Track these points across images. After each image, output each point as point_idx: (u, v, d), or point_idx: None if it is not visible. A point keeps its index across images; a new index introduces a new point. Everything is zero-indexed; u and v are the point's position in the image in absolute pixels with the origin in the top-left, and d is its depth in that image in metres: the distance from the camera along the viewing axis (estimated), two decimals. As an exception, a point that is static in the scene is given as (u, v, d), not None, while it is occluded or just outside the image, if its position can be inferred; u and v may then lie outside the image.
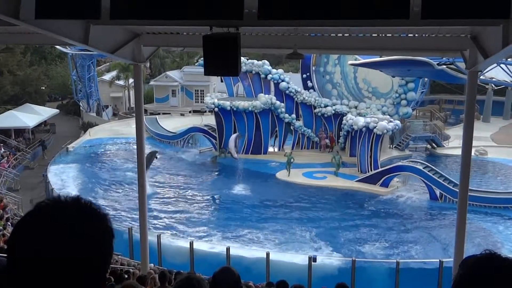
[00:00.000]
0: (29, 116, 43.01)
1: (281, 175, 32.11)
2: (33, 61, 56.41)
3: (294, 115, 36.82)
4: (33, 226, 1.26)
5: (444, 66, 32.70)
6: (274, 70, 38.45)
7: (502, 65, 35.89)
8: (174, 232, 23.60)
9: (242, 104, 35.84)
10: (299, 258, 19.23)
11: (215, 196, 29.02)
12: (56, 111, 50.15)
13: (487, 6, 5.71)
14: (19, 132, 42.94)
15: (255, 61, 38.61)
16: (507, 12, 5.62)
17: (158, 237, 19.45)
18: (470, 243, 19.46)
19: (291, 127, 36.95)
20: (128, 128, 41.98)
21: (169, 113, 51.68)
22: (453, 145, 36.52)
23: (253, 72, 38.45)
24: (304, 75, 38.73)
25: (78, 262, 1.23)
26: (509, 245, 22.22)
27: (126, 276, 10.84)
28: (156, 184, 30.82)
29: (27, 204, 26.54)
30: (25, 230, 1.26)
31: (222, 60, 7.47)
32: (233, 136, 34.62)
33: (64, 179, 31.64)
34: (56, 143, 43.20)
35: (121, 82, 54.00)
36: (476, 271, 1.38)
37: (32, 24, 7.12)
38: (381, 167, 30.65)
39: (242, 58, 33.55)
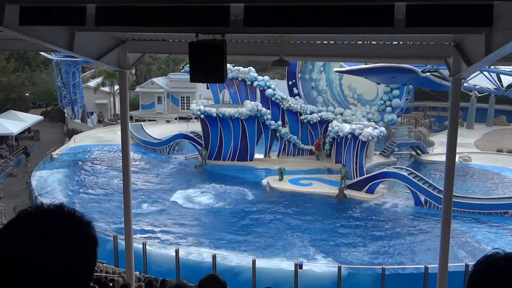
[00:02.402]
0: (12, 123, 42.54)
1: (267, 182, 32.09)
2: (17, 67, 55.89)
3: (280, 122, 36.91)
4: (16, 234, 1.24)
5: (428, 74, 33.03)
6: (260, 77, 38.54)
7: (485, 72, 36.33)
8: (160, 239, 23.47)
9: (228, 111, 35.84)
10: (285, 265, 19.23)
11: (200, 204, 28.87)
12: (40, 117, 49.68)
13: (470, 15, 5.79)
14: (3, 139, 42.44)
15: (241, 68, 38.67)
16: (489, 20, 5.70)
17: (144, 244, 19.31)
18: (454, 248, 19.62)
19: (277, 134, 37.02)
20: (113, 135, 41.74)
21: (155, 120, 51.51)
22: (437, 152, 36.86)
23: (239, 79, 38.51)
24: (290, 82, 38.87)
25: (61, 270, 1.22)
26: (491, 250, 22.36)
27: (111, 284, 10.73)
28: (142, 193, 30.63)
29: (10, 212, 26.21)
30: (7, 238, 1.25)
31: (208, 67, 7.47)
32: None
33: (48, 187, 31.32)
34: (41, 150, 42.78)
35: (106, 89, 53.74)
36: (494, 271, 1.36)
37: (16, 30, 7.06)
38: (366, 174, 30.81)
39: (228, 65, 33.56)
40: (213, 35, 7.29)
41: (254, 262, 18.19)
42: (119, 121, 15.05)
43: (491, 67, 32.57)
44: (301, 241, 23.54)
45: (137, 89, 54.48)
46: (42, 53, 45.38)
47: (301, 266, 17.85)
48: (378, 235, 24.42)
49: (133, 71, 59.38)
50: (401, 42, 9.91)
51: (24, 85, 53.78)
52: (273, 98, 37.24)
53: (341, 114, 36.49)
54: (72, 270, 1.24)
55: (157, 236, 23.97)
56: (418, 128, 41.92)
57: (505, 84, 39.85)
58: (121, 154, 13.43)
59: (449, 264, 11.06)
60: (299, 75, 38.66)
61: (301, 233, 24.45)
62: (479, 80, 39.06)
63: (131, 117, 44.34)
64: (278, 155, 36.67)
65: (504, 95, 39.89)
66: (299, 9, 6.34)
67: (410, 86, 39.57)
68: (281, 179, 31.82)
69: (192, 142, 38.37)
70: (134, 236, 14.99)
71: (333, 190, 30.16)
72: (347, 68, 33.14)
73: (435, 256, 13.61)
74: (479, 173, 35.01)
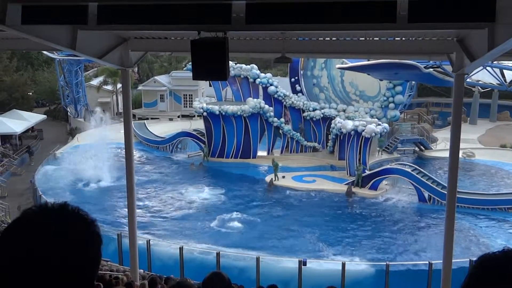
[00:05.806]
0: (16, 122, 42.62)
1: (270, 179, 32.08)
2: (19, 67, 55.94)
3: (282, 119, 36.89)
4: (20, 233, 1.25)
5: (431, 69, 32.94)
6: (262, 74, 38.52)
7: (488, 67, 36.24)
8: (164, 237, 23.49)
9: (231, 108, 35.83)
10: (289, 262, 19.23)
11: (204, 202, 28.89)
12: (43, 116, 49.71)
13: (472, 10, 5.77)
14: (6, 138, 42.51)
15: (244, 65, 38.64)
16: (492, 15, 5.68)
17: (148, 242, 19.34)
18: (458, 245, 19.60)
19: (280, 131, 37.00)
20: (116, 133, 41.71)
21: (158, 118, 51.51)
22: (440, 148, 36.79)
23: (242, 76, 38.47)
24: (293, 79, 38.84)
25: (66, 269, 1.22)
26: (496, 246, 22.36)
27: (115, 282, 10.75)
28: (143, 191, 30.67)
29: (14, 211, 26.27)
30: (12, 237, 1.25)
31: (210, 65, 7.47)
32: None
33: (52, 185, 31.37)
34: (44, 149, 42.85)
35: (109, 87, 53.75)
36: (491, 268, 1.34)
37: (19, 30, 7.07)
38: (370, 170, 30.77)
39: (230, 63, 33.53)
40: (215, 32, 7.28)
41: (258, 259, 18.22)
42: (122, 119, 15.05)
43: (494, 62, 32.49)
44: (305, 237, 23.53)
45: (140, 87, 54.47)
46: (44, 52, 45.41)
47: (305, 263, 17.86)
48: (381, 232, 24.40)
49: (136, 69, 59.43)
50: (403, 38, 9.88)
51: (27, 84, 53.84)
52: (275, 95, 37.23)
53: (344, 110, 36.45)
54: (77, 269, 1.24)
55: (160, 234, 23.99)
56: (421, 124, 41.87)
57: (508, 79, 39.72)
58: (124, 152, 13.46)
59: (453, 260, 11.05)
60: (302, 72, 38.62)
61: (304, 230, 24.42)
62: (482, 75, 38.96)
63: (134, 116, 44.37)
64: (281, 152, 36.65)
65: (508, 90, 39.82)
66: (301, 6, 6.34)
67: (413, 82, 39.46)
68: (276, 175, 31.58)
69: (195, 140, 38.39)
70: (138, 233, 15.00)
71: (336, 187, 30.13)
72: (350, 64, 33.10)
73: (439, 252, 13.61)
74: (482, 168, 34.91)
